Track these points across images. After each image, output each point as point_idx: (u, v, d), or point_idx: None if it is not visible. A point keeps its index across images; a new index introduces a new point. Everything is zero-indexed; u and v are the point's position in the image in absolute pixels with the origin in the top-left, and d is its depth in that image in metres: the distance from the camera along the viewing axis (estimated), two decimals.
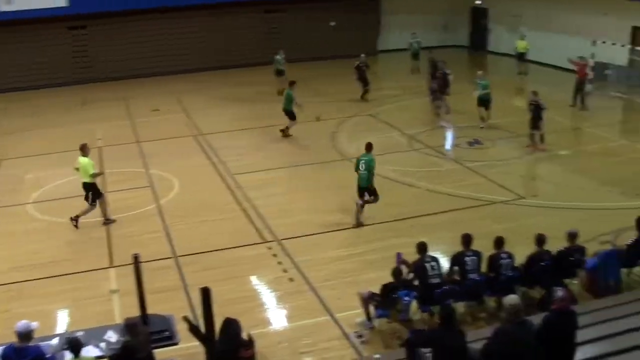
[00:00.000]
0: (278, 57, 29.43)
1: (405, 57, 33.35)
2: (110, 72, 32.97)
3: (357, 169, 15.34)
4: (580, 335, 8.93)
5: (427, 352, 8.76)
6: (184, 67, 34.04)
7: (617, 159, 19.50)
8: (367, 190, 15.31)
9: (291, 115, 22.23)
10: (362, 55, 28.12)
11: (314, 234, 14.97)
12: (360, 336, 10.85)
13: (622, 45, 27.77)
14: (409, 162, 19.60)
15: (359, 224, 15.31)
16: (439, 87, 24.50)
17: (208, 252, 14.27)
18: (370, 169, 15.14)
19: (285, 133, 22.39)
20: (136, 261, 10.17)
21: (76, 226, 15.65)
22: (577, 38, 29.92)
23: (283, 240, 14.63)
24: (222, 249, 14.38)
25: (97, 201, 15.74)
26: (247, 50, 35.02)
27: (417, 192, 17.32)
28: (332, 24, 36.22)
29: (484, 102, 22.56)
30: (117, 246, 14.72)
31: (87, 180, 15.60)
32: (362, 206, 15.38)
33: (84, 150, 15.68)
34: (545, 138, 20.17)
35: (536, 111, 19.96)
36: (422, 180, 17.92)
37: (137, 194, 17.84)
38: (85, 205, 15.68)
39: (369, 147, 15.52)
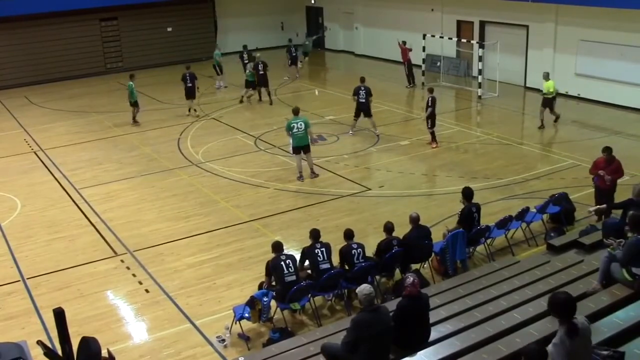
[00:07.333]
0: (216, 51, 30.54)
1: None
2: None
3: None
4: (434, 315, 9.39)
5: None
6: (14, 81, 32.35)
7: (453, 145, 20.51)
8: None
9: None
10: (258, 55, 27.96)
11: (166, 243, 14.69)
12: (222, 340, 10.80)
13: (450, 38, 29.21)
14: (257, 163, 19.66)
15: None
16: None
17: (59, 271, 13.64)
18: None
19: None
20: None
21: None
22: (408, 33, 31.18)
23: (136, 252, 14.26)
24: (74, 266, 13.78)
25: None
26: (82, 60, 33.79)
27: (268, 192, 17.42)
28: (169, 29, 35.90)
29: None
30: None
31: None
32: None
33: None
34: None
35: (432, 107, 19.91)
36: (271, 180, 18.04)
37: None
38: None
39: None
